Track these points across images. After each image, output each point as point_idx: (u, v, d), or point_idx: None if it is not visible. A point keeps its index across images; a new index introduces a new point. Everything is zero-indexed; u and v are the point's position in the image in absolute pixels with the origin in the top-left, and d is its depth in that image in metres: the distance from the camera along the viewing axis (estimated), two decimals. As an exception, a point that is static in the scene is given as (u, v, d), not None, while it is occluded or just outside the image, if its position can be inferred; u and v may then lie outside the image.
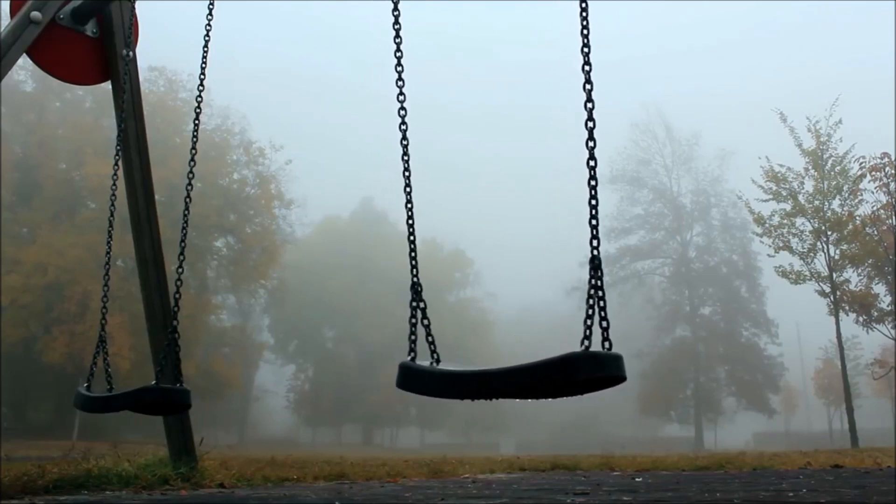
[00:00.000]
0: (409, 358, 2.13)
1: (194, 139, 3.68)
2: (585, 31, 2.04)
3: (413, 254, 2.35)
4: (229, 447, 20.87)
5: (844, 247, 21.47)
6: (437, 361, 2.10)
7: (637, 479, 5.31)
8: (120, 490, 4.04)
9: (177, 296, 3.49)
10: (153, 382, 3.59)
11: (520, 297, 67.77)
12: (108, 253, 3.95)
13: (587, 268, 1.92)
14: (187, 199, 3.63)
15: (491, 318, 59.43)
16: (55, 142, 32.82)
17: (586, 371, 1.73)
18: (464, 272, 59.55)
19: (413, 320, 2.19)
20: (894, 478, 4.84)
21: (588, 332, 1.80)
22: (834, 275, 21.24)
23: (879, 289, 21.63)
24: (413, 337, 2.17)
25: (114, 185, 4.02)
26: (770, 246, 22.16)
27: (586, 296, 1.85)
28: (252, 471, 5.31)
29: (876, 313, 21.38)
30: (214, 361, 37.02)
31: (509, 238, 77.49)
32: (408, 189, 2.43)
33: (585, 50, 2.03)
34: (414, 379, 2.07)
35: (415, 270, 2.30)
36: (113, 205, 4.02)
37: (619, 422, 58.36)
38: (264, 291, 44.13)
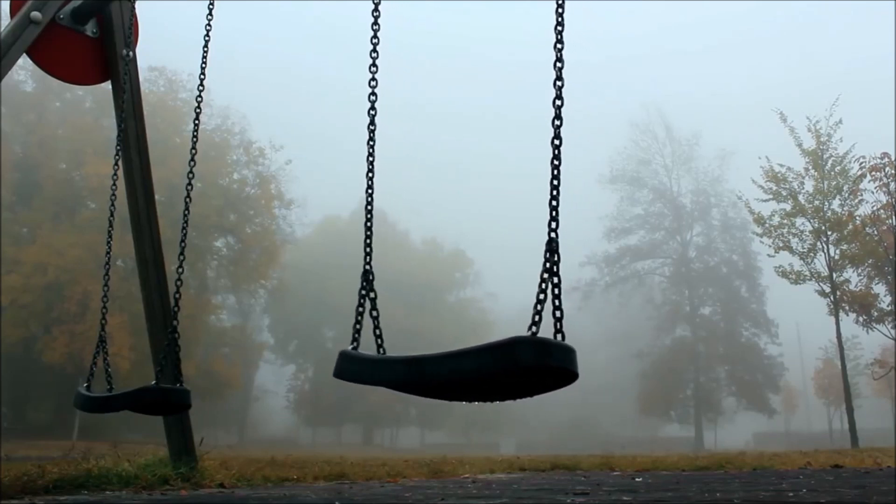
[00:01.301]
0: (350, 347, 2.02)
1: (194, 139, 3.69)
2: (560, 10, 2.00)
3: (368, 241, 2.26)
4: (229, 447, 20.89)
5: (844, 247, 21.47)
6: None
7: (637, 479, 5.31)
8: (120, 490, 4.04)
9: (177, 296, 3.50)
10: (153, 382, 3.59)
11: (520, 297, 67.69)
12: (108, 253, 3.96)
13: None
14: (187, 199, 3.64)
15: (491, 318, 59.43)
16: (55, 142, 32.81)
17: (530, 358, 1.58)
18: (464, 272, 59.57)
19: (360, 309, 2.10)
20: (894, 478, 4.84)
21: (537, 317, 1.68)
22: (834, 275, 21.23)
23: (879, 289, 21.63)
24: (358, 326, 2.08)
25: (114, 185, 4.02)
26: (770, 246, 22.17)
27: (539, 280, 1.72)
28: (252, 471, 5.32)
29: (876, 313, 21.38)
30: (214, 361, 37.01)
31: (509, 238, 77.48)
32: (370, 175, 2.39)
33: (559, 28, 1.97)
34: (348, 367, 1.96)
35: (368, 258, 2.21)
36: (113, 205, 4.03)
37: (619, 422, 58.37)
38: (264, 291, 44.13)
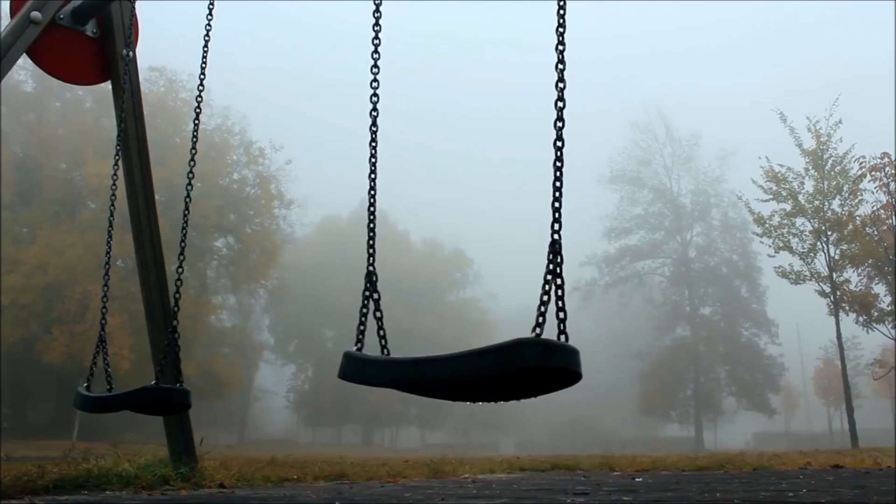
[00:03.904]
0: (354, 348, 2.04)
1: (194, 139, 3.69)
2: (562, 11, 2.01)
3: (371, 242, 2.29)
4: (229, 447, 20.87)
5: (844, 247, 21.45)
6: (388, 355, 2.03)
7: (637, 479, 5.31)
8: (120, 490, 4.04)
9: (177, 296, 3.50)
10: (153, 382, 3.59)
11: (520, 297, 67.72)
12: (108, 253, 3.96)
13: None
14: (187, 199, 3.64)
15: (491, 318, 59.39)
16: (55, 142, 32.79)
17: (534, 360, 1.60)
18: (464, 272, 59.50)
19: (364, 310, 2.12)
20: (894, 478, 4.84)
21: (541, 318, 1.69)
22: (834, 275, 21.22)
23: (879, 289, 21.61)
24: (362, 328, 2.09)
25: (114, 185, 4.02)
26: (770, 246, 22.16)
27: (542, 281, 1.73)
28: (252, 471, 5.32)
29: (876, 313, 21.35)
30: (214, 361, 36.98)
31: (509, 238, 77.47)
32: (372, 176, 2.41)
33: (560, 30, 1.97)
34: (353, 369, 1.98)
35: (371, 259, 2.23)
36: (113, 205, 4.03)
37: (619, 422, 58.36)
38: (264, 291, 44.11)
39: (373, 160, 2.41)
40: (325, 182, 67.04)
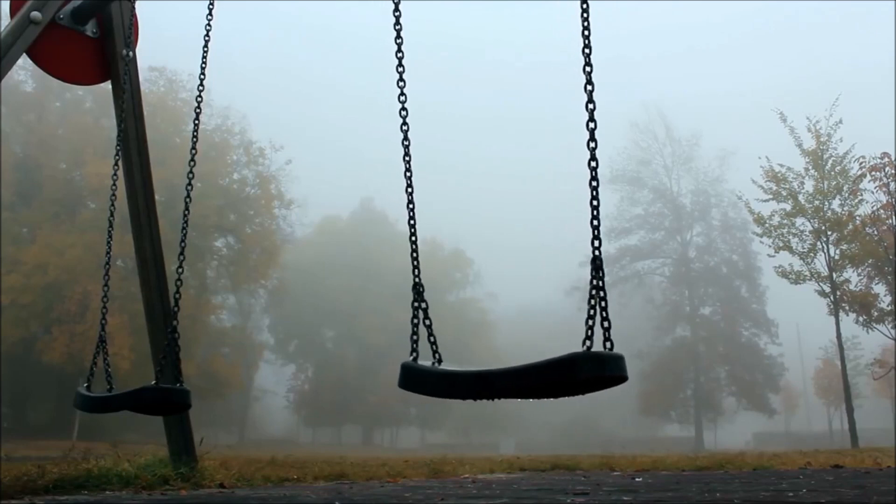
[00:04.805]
0: (411, 358, 2.14)
1: (194, 139, 3.69)
2: (587, 32, 2.05)
3: (415, 255, 2.37)
4: (229, 447, 20.86)
5: (844, 247, 21.45)
6: (439, 362, 2.10)
7: (637, 479, 5.31)
8: (120, 490, 4.04)
9: (177, 296, 3.50)
10: (153, 382, 3.59)
11: (520, 297, 67.78)
12: (108, 253, 3.96)
13: (587, 268, 1.93)
14: (187, 199, 3.63)
15: (491, 318, 59.34)
16: (55, 142, 32.79)
17: (588, 371, 1.75)
18: (464, 272, 59.46)
19: (415, 321, 2.20)
20: (894, 478, 4.84)
21: (590, 332, 1.81)
22: (834, 275, 21.22)
23: (879, 289, 21.60)
24: (415, 337, 2.18)
25: (114, 185, 4.02)
26: (770, 246, 22.16)
27: (588, 296, 1.87)
28: (252, 471, 5.32)
29: (876, 313, 21.35)
30: (214, 361, 36.97)
31: (509, 238, 77.54)
32: (409, 190, 2.42)
33: (587, 51, 2.04)
34: (416, 379, 2.09)
35: (417, 271, 2.31)
36: (113, 205, 4.03)
37: (619, 422, 58.33)
38: (264, 291, 44.10)
39: (408, 174, 2.44)
40: (325, 182, 67.11)
